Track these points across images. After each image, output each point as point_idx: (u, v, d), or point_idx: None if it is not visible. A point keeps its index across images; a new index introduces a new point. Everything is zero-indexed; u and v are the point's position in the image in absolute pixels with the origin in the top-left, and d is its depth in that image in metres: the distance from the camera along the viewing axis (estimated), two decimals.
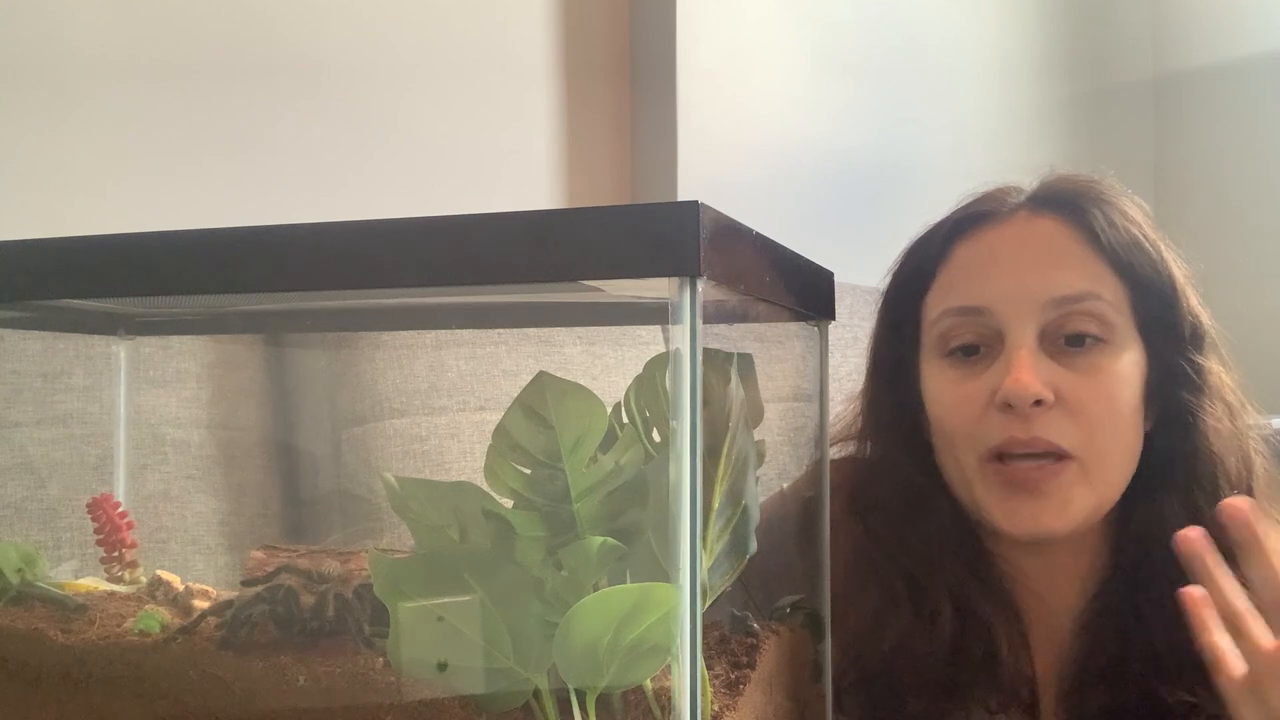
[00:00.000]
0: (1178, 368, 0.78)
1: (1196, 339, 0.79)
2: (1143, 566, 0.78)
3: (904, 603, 0.79)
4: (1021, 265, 0.77)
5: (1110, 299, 0.76)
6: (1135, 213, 0.80)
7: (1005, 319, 0.76)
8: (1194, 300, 0.79)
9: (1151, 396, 0.78)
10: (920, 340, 0.82)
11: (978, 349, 0.78)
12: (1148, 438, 0.78)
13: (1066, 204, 0.79)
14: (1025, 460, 0.75)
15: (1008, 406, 0.74)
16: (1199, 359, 0.78)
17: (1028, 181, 0.83)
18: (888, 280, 0.86)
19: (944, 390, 0.79)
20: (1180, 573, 0.75)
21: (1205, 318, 0.80)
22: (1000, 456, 0.76)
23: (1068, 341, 0.76)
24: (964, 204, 0.83)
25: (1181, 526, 0.75)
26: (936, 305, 0.80)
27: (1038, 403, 0.73)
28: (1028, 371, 0.73)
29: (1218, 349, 0.80)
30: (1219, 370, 0.79)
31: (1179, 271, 0.79)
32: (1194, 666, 0.74)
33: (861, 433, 0.86)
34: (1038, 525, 0.75)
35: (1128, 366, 0.76)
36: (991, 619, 0.78)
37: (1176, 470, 0.77)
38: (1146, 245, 0.78)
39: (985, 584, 0.80)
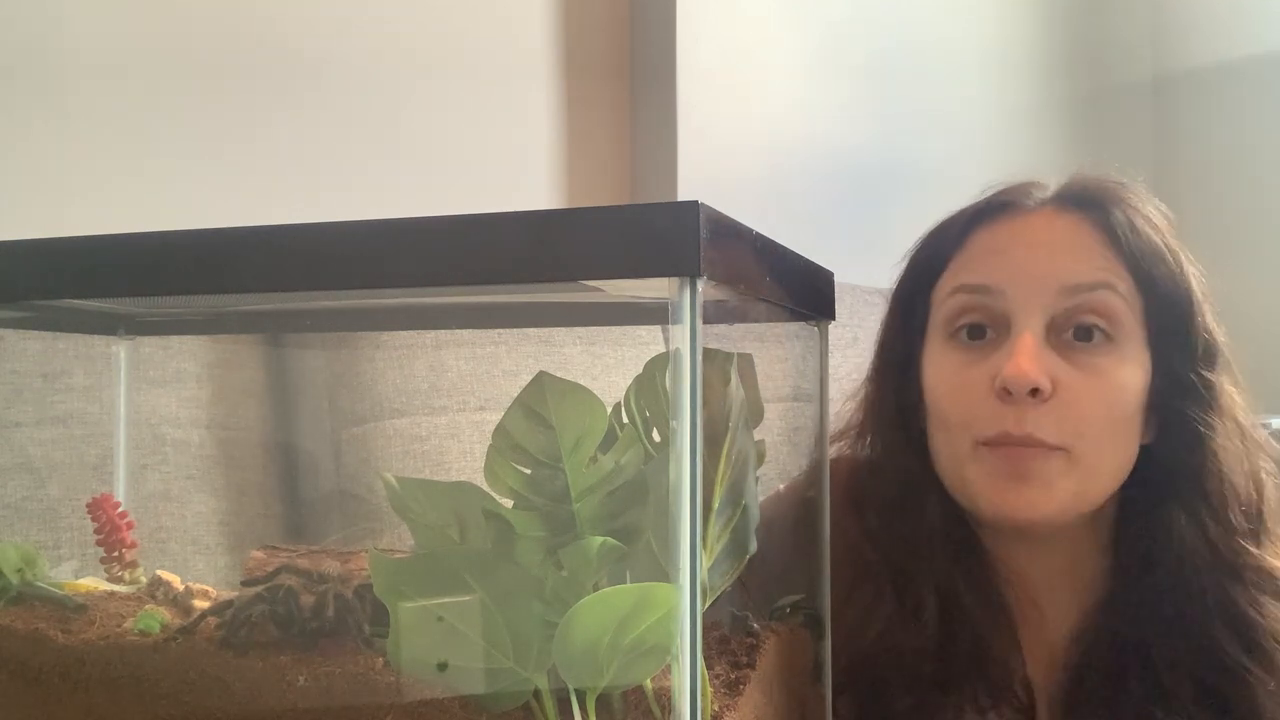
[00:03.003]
0: (1188, 382, 0.76)
1: (1209, 355, 0.78)
2: (1145, 582, 0.77)
3: (888, 596, 0.78)
4: (1039, 252, 0.77)
5: (1124, 295, 0.75)
6: (1159, 220, 0.79)
7: (1015, 303, 0.75)
8: (1209, 316, 0.79)
9: (1153, 408, 0.77)
10: (927, 327, 0.81)
11: (985, 332, 0.77)
12: (1152, 450, 0.77)
13: (1091, 203, 0.78)
14: (1017, 446, 0.74)
15: (1005, 393, 0.73)
16: (1210, 375, 0.77)
17: (1052, 179, 0.82)
18: (900, 271, 0.85)
19: (946, 374, 0.78)
20: (1184, 590, 0.75)
21: (1220, 335, 0.79)
22: (991, 441, 0.75)
23: (1076, 335, 0.75)
24: (986, 195, 0.82)
25: (1188, 543, 0.76)
26: (947, 285, 0.79)
27: (1034, 392, 0.72)
28: (1029, 358, 0.73)
29: (1230, 368, 0.79)
30: (1230, 389, 0.79)
31: (1197, 285, 0.78)
32: (1193, 687, 0.74)
33: (861, 427, 0.85)
34: (1031, 510, 0.74)
35: (1131, 374, 0.75)
36: (978, 614, 0.78)
37: (1183, 486, 0.77)
38: (1167, 255, 0.77)
39: (971, 578, 0.79)
